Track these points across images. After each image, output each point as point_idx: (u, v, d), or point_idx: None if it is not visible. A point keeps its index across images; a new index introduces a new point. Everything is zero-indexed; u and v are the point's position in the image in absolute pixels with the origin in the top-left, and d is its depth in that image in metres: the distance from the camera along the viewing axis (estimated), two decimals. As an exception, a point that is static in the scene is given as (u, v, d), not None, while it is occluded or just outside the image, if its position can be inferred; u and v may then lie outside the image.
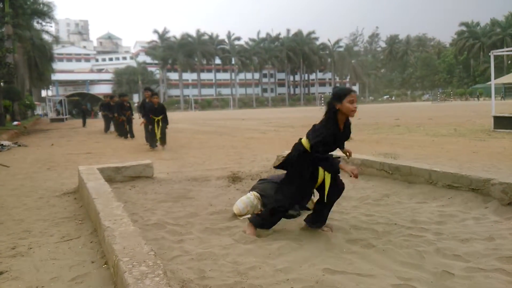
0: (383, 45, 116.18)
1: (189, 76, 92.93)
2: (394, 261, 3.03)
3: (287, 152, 7.61)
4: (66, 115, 43.20)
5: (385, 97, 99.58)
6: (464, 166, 6.95)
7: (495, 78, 16.79)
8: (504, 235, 3.46)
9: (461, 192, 4.74)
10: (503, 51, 19.45)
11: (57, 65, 63.43)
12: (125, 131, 16.72)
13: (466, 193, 4.68)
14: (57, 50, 65.34)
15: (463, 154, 8.65)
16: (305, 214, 4.37)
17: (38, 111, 57.58)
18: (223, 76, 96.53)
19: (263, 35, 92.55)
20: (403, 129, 15.86)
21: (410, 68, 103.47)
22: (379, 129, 16.64)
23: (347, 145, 4.04)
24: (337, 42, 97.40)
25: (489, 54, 15.14)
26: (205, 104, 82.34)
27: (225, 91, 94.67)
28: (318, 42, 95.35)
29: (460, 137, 12.14)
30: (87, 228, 4.13)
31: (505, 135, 12.28)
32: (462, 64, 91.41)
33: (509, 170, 6.51)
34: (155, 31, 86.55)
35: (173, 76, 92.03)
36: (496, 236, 3.43)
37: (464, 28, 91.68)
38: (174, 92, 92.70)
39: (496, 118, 14.04)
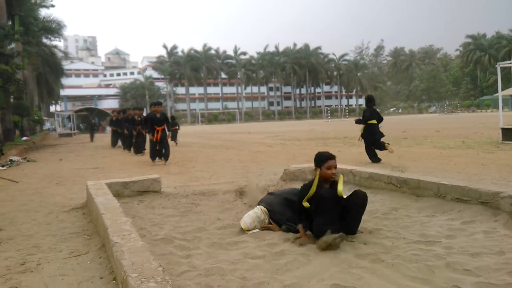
0: (389, 58, 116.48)
1: (196, 90, 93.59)
2: (403, 276, 3.00)
3: (294, 166, 7.62)
4: (74, 129, 43.56)
5: (391, 109, 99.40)
6: (473, 178, 6.90)
7: (502, 90, 16.73)
8: (515, 249, 3.42)
9: (470, 206, 4.70)
10: (510, 63, 19.43)
11: (66, 81, 64.25)
12: (138, 146, 15.80)
13: (475, 206, 4.64)
14: (66, 66, 66.19)
15: (472, 166, 8.59)
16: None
17: (47, 126, 58.13)
18: (229, 90, 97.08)
19: (270, 49, 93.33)
20: (411, 142, 15.79)
21: (416, 80, 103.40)
22: (386, 141, 16.56)
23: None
24: (343, 55, 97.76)
25: (496, 65, 15.13)
26: (211, 118, 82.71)
27: (232, 104, 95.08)
28: (324, 55, 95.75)
29: (468, 150, 12.07)
30: (96, 244, 4.15)
31: (514, 147, 12.17)
32: (469, 76, 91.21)
33: (519, 183, 6.44)
34: (164, 46, 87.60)
35: (180, 90, 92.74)
36: (507, 250, 3.39)
37: (470, 40, 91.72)
38: (181, 106, 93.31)
39: (504, 130, 13.94)
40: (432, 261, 3.23)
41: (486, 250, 3.44)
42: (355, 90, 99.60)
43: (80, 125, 51.94)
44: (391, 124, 34.14)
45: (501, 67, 14.97)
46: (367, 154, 10.18)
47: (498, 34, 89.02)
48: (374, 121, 10.21)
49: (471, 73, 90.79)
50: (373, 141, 10.11)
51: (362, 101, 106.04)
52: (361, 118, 10.58)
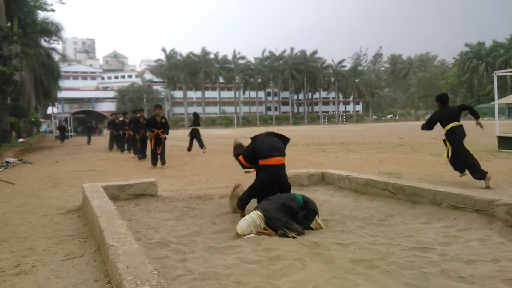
0: (387, 65, 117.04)
1: (194, 94, 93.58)
2: (398, 283, 3.01)
3: (291, 171, 7.62)
4: (71, 132, 43.49)
5: (388, 116, 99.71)
6: (469, 186, 6.93)
7: (498, 98, 16.82)
8: (509, 257, 3.44)
9: (465, 213, 4.72)
10: (506, 72, 19.55)
11: (63, 83, 64.12)
12: (142, 151, 14.71)
13: (471, 213, 4.66)
14: (63, 68, 66.12)
15: (468, 174, 8.61)
16: (309, 233, 4.37)
17: (44, 128, 57.99)
18: (227, 94, 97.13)
19: (268, 53, 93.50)
20: (407, 149, 15.84)
21: (413, 87, 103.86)
22: (383, 148, 16.63)
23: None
24: (341, 61, 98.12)
25: (493, 74, 15.21)
26: (209, 122, 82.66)
27: (229, 109, 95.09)
28: (321, 61, 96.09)
29: (464, 157, 12.09)
30: (91, 246, 4.14)
31: (510, 155, 12.23)
32: (466, 84, 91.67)
33: (514, 191, 6.47)
34: (163, 50, 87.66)
35: (178, 94, 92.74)
36: (501, 258, 3.41)
37: (468, 49, 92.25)
38: (179, 110, 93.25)
39: (501, 138, 14.01)
40: (427, 268, 3.24)
41: (481, 257, 3.45)
42: (352, 96, 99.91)
43: (78, 128, 51.90)
44: (388, 131, 34.23)
45: (497, 76, 15.07)
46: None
47: (495, 42, 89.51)
48: (455, 123, 7.59)
49: (468, 81, 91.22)
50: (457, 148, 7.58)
51: (359, 108, 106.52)
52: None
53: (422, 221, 4.79)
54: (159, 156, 12.04)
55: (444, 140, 7.82)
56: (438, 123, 7.79)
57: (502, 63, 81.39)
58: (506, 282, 2.92)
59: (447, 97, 7.98)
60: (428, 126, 7.87)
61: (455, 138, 7.60)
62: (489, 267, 3.24)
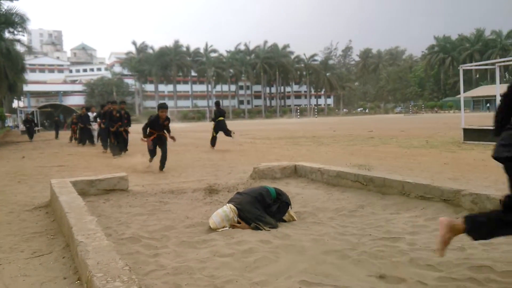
0: (357, 58, 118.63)
1: (165, 88, 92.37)
2: (369, 272, 3.07)
3: (264, 164, 7.65)
4: (38, 126, 42.23)
5: (359, 109, 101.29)
6: (436, 177, 7.12)
7: (464, 92, 17.33)
8: (474, 245, 3.55)
9: (433, 203, 4.85)
10: (471, 66, 20.14)
11: (29, 76, 62.05)
12: (117, 148, 13.95)
13: (438, 203, 4.80)
14: (29, 60, 63.98)
15: (435, 165, 8.86)
16: (282, 225, 4.40)
17: (9, 122, 56.09)
18: (199, 88, 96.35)
19: (240, 47, 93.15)
20: (377, 141, 16.14)
21: (383, 81, 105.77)
22: (353, 140, 16.89)
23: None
24: (313, 56, 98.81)
25: (459, 68, 15.66)
26: (181, 116, 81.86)
27: (201, 103, 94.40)
28: (294, 56, 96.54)
29: (431, 149, 12.44)
30: (59, 243, 4.04)
31: (474, 146, 12.64)
32: (433, 78, 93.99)
33: (479, 181, 6.70)
34: (133, 43, 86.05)
35: (149, 87, 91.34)
36: (467, 246, 3.52)
37: (435, 42, 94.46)
38: (150, 103, 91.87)
39: (466, 130, 14.46)
40: (396, 257, 3.32)
41: (448, 246, 3.55)
42: (324, 90, 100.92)
43: (45, 122, 50.42)
44: (359, 124, 34.80)
45: (463, 70, 15.51)
46: None
47: (461, 36, 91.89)
48: None
49: (435, 75, 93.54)
50: None
51: (330, 101, 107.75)
52: None
53: (392, 211, 4.89)
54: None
55: None
56: None
57: (467, 57, 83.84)
58: (472, 269, 3.02)
59: None
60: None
61: None
62: (455, 255, 3.34)
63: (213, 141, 14.97)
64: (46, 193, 6.63)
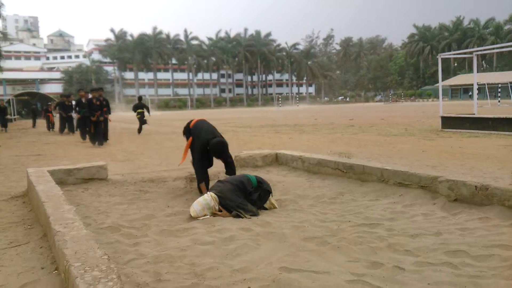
0: (338, 47, 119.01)
1: (145, 76, 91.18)
2: (348, 257, 3.11)
3: (245, 152, 7.64)
4: (14, 115, 41.25)
5: (340, 98, 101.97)
6: (414, 164, 7.24)
7: (442, 80, 17.58)
8: (451, 230, 3.63)
9: (411, 190, 4.93)
10: (450, 54, 20.43)
11: (4, 63, 60.34)
12: (96, 136, 13.64)
13: (416, 190, 4.88)
14: (4, 47, 62.09)
15: (413, 153, 9.00)
16: (263, 213, 4.42)
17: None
18: (180, 76, 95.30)
19: (222, 35, 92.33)
20: (357, 129, 16.29)
21: (363, 70, 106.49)
22: (334, 129, 17.01)
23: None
24: (294, 44, 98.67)
25: (437, 57, 15.86)
26: (162, 104, 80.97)
27: (183, 91, 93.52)
28: (275, 44, 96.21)
29: (410, 137, 12.63)
30: (37, 233, 3.97)
31: (452, 134, 12.89)
32: (413, 66, 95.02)
33: (456, 168, 6.84)
34: (111, 30, 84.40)
35: (129, 75, 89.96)
36: (444, 231, 3.60)
37: (415, 31, 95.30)
38: (130, 91, 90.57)
39: (444, 119, 14.72)
40: (375, 242, 3.37)
41: (425, 231, 3.63)
42: (305, 78, 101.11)
43: (22, 111, 49.27)
44: (340, 112, 35.03)
45: (442, 58, 15.72)
46: None
47: (441, 25, 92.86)
48: None
49: (414, 64, 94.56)
50: None
51: (312, 89, 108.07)
52: None
53: (371, 198, 4.96)
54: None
55: None
56: None
57: (445, 46, 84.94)
58: (448, 253, 3.09)
59: None
60: None
61: None
62: (432, 240, 3.41)
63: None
64: (23, 182, 6.51)
